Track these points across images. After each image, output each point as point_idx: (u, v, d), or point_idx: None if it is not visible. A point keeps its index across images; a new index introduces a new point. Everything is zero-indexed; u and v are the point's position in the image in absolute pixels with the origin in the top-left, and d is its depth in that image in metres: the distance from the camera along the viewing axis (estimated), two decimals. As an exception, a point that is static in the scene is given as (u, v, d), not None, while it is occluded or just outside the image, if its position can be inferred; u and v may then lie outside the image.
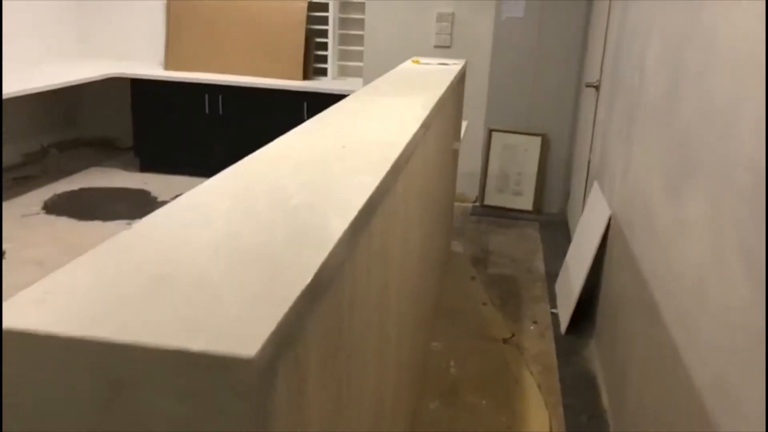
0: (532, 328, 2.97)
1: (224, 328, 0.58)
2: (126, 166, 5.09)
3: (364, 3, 4.58)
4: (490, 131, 4.45)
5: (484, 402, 2.42)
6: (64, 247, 3.63)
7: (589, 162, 3.56)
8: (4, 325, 0.57)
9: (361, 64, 4.84)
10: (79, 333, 0.56)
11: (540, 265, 3.65)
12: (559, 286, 3.27)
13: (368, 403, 1.31)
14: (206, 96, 4.80)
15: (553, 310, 3.11)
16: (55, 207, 4.22)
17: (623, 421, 2.14)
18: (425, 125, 1.60)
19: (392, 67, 3.07)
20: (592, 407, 2.41)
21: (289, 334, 0.64)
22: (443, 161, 2.59)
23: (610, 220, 2.69)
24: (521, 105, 4.38)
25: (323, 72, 4.99)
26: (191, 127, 4.88)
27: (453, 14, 4.35)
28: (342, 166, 1.11)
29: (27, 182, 4.70)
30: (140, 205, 4.32)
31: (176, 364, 0.54)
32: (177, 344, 0.55)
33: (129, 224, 3.99)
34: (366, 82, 4.39)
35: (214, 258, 0.72)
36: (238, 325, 0.59)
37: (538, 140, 4.39)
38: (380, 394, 1.47)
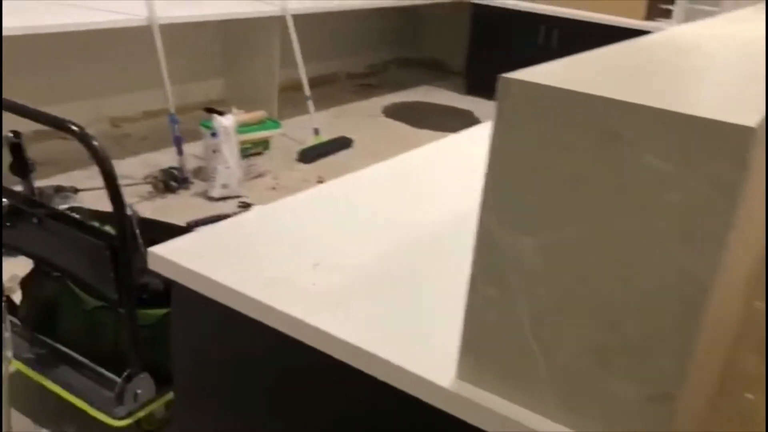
0: None
1: (722, 106, 0.65)
2: (454, 88, 5.41)
3: (734, -60, 4.19)
4: None
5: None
6: (398, 145, 4.02)
7: None
8: (521, 77, 0.70)
9: (715, 8, 4.48)
10: (584, 90, 0.67)
11: None
12: None
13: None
14: (542, 28, 4.86)
15: None
16: (392, 112, 4.69)
17: None
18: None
19: None
20: None
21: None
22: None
23: None
24: None
25: (668, 14, 4.72)
26: (522, 58, 4.96)
27: None
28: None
29: (369, 89, 5.27)
30: (465, 123, 4.59)
31: (672, 125, 0.63)
32: (676, 108, 0.63)
33: (454, 136, 4.32)
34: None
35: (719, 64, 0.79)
36: (732, 105, 0.65)
37: None
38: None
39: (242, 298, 0.96)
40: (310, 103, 3.84)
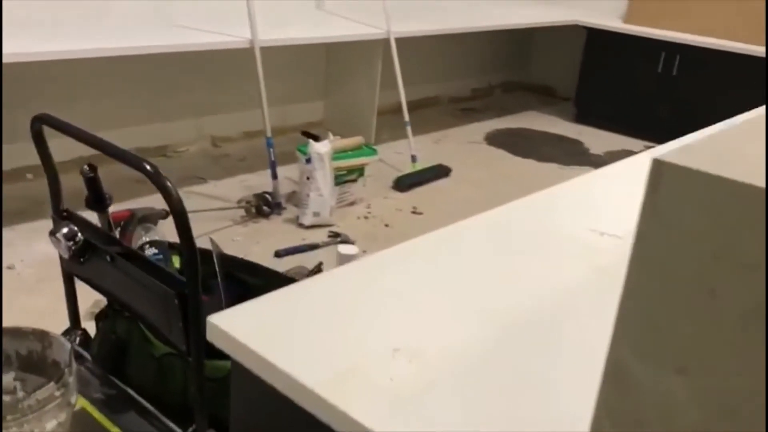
0: None
1: None
2: (562, 115, 5.13)
3: None
4: None
5: None
6: (499, 175, 3.83)
7: None
8: (671, 160, 0.51)
9: None
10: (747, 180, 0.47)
11: None
12: None
13: None
14: (662, 54, 4.52)
15: None
16: (494, 139, 4.48)
17: None
18: None
19: None
20: None
21: None
22: None
23: None
24: None
25: (809, 42, 4.27)
26: (638, 85, 4.66)
27: None
28: None
29: (472, 114, 5.08)
30: (572, 153, 4.32)
31: None
32: None
33: (561, 168, 4.03)
34: None
35: None
36: None
37: None
38: None
39: (305, 392, 0.80)
40: (409, 129, 3.70)
